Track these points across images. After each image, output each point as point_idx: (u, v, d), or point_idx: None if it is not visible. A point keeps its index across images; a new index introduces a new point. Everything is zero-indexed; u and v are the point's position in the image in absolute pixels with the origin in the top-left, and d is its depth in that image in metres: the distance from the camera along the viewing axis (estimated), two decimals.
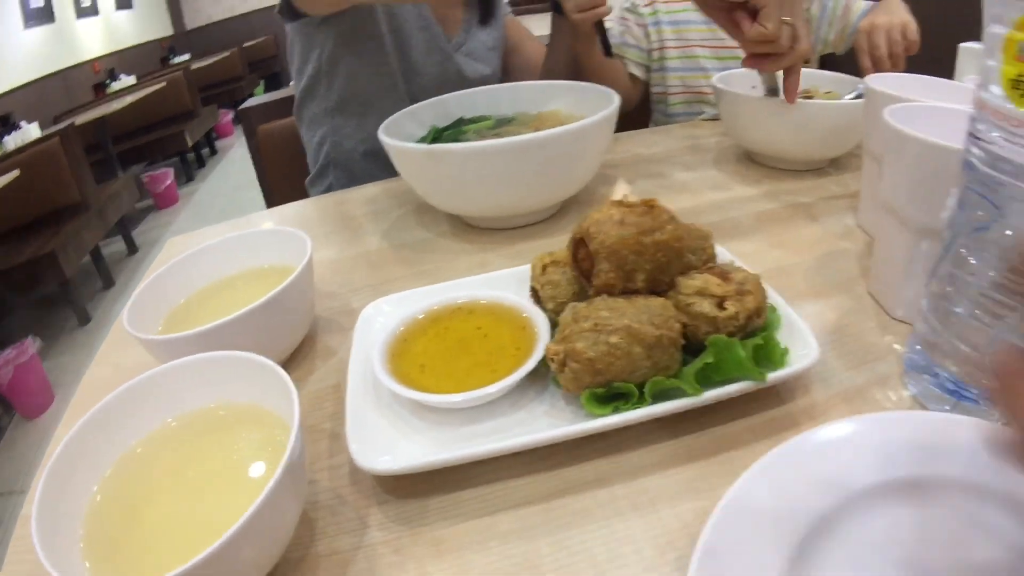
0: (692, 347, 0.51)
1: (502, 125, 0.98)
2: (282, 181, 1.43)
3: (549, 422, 0.50)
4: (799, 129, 0.90)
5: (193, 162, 5.53)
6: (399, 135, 0.88)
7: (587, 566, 0.42)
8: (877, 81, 0.73)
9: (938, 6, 1.33)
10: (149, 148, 4.96)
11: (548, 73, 1.29)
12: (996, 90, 0.39)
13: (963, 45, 1.26)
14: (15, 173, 2.98)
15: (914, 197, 0.56)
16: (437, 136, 0.95)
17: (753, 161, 1.01)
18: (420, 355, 0.54)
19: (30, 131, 3.98)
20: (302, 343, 0.66)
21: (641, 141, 1.16)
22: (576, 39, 1.18)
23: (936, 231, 0.54)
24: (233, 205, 4.65)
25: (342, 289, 0.77)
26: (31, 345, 2.63)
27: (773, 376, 0.48)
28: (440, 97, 1.00)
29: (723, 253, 0.62)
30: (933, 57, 1.27)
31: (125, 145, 4.75)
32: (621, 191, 0.95)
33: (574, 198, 0.90)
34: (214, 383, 0.49)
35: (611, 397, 0.48)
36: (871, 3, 1.33)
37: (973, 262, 0.45)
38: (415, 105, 0.96)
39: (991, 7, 0.39)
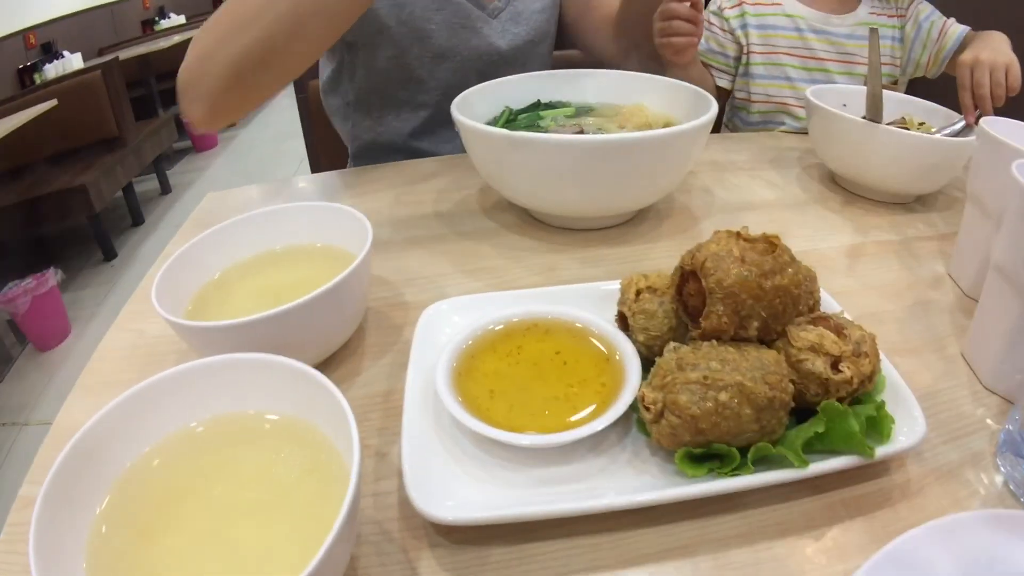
0: (795, 408, 0.45)
1: (583, 114, 0.91)
2: (329, 139, 1.37)
3: (634, 474, 0.44)
4: (893, 160, 0.83)
5: None
6: (470, 113, 0.81)
7: None
8: (993, 126, 0.66)
9: (1018, 45, 1.24)
10: None
11: (621, 52, 1.16)
12: None
13: None
14: (52, 103, 2.93)
15: None
16: (511, 118, 0.88)
17: (837, 184, 0.94)
18: (490, 377, 0.49)
19: (72, 61, 3.94)
20: (350, 338, 0.61)
21: (721, 147, 1.08)
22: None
23: None
24: (272, 155, 4.59)
25: (394, 277, 0.71)
26: (52, 276, 2.60)
27: (881, 451, 0.43)
28: (517, 76, 0.93)
29: (825, 297, 0.56)
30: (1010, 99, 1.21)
31: (168, 84, 4.64)
32: (701, 203, 0.88)
33: (652, 205, 0.83)
34: (253, 387, 0.44)
35: (707, 455, 0.42)
36: (966, 28, 1.25)
37: None
38: (489, 82, 0.89)
39: None
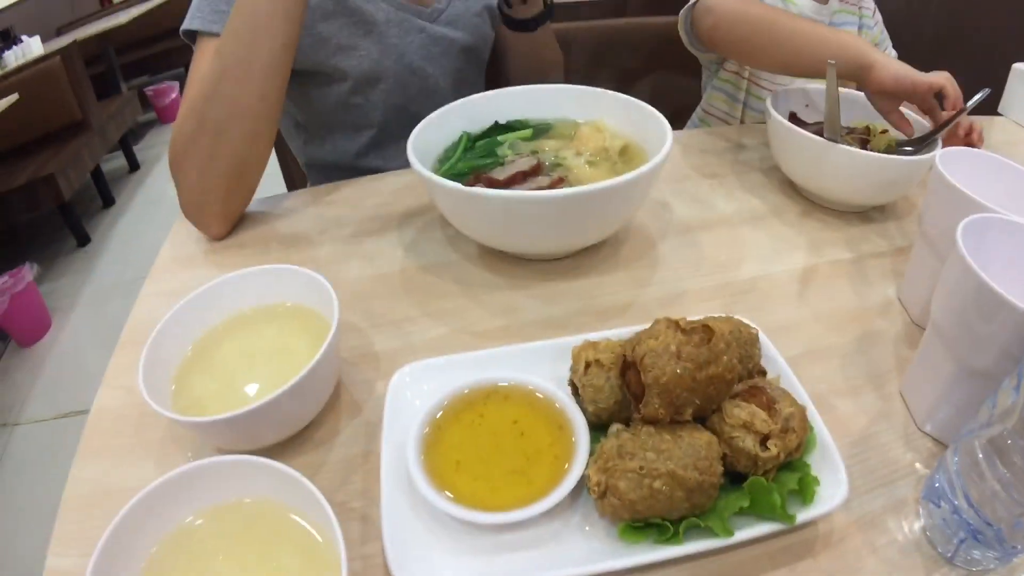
0: (727, 471, 0.50)
1: (540, 135, 0.93)
2: None
3: (583, 538, 0.50)
4: (850, 177, 0.86)
5: None
6: (426, 144, 0.83)
7: None
8: (947, 161, 0.68)
9: (991, 20, 1.26)
10: (154, 60, 4.78)
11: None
12: None
13: (1018, 66, 1.20)
14: (14, 97, 2.86)
15: (970, 338, 0.53)
16: (469, 146, 0.90)
17: (795, 191, 0.97)
18: (455, 449, 0.53)
19: (31, 45, 3.81)
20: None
21: (681, 151, 1.10)
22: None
23: (987, 373, 0.52)
24: None
25: (363, 323, 0.74)
26: (28, 272, 2.58)
27: (802, 516, 0.48)
28: (472, 97, 0.94)
29: (767, 345, 0.60)
30: (983, 74, 1.22)
31: (129, 57, 4.56)
32: (658, 223, 0.90)
33: None
34: (237, 481, 0.48)
35: (646, 525, 0.47)
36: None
37: None
38: (443, 108, 0.90)
39: None
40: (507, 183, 0.78)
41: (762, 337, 0.60)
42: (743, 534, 0.47)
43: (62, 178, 2.96)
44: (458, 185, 0.70)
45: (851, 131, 0.97)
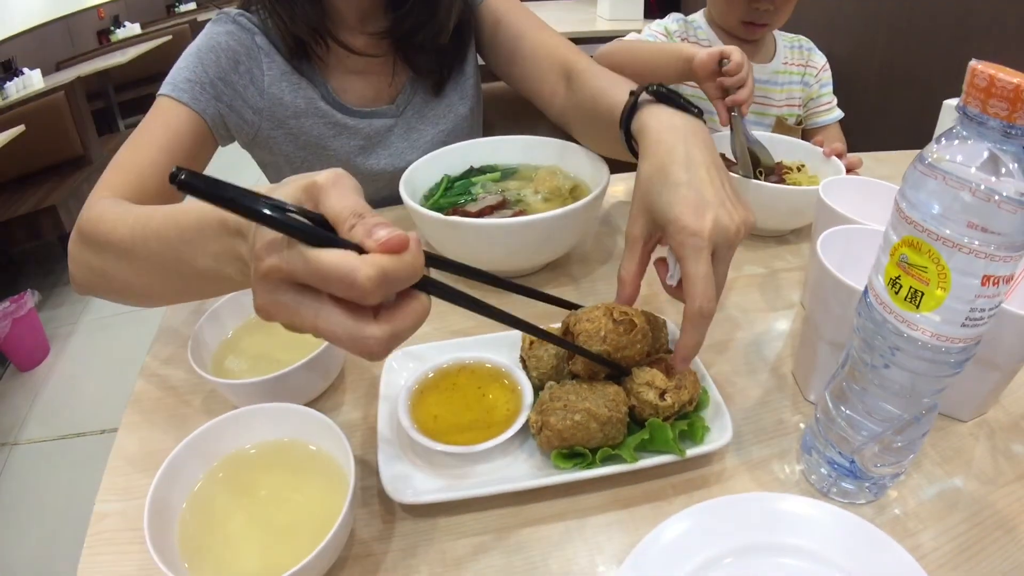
0: (637, 421, 0.68)
1: (507, 177, 1.12)
2: None
3: (528, 468, 0.68)
4: (762, 207, 0.99)
5: None
6: (413, 185, 1.03)
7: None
8: (830, 190, 0.87)
9: (925, 57, 1.43)
10: (151, 99, 4.93)
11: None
12: (880, 280, 0.53)
13: (948, 102, 1.31)
14: (20, 128, 3.03)
15: (825, 317, 0.71)
16: (449, 186, 1.10)
17: None
18: (433, 407, 0.71)
19: (32, 78, 4.00)
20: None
21: (627, 181, 1.30)
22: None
23: (841, 344, 0.67)
24: (234, 161, 4.69)
25: None
26: (29, 299, 2.70)
27: (691, 452, 0.66)
28: (452, 146, 1.13)
29: (673, 331, 0.79)
30: (917, 108, 1.34)
31: (127, 95, 4.77)
32: (602, 249, 1.10)
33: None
34: (288, 424, 0.66)
35: (572, 455, 0.66)
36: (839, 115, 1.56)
37: (858, 387, 0.59)
38: (429, 155, 1.10)
39: (891, 221, 0.51)
40: (478, 215, 0.98)
41: (670, 324, 0.79)
42: (645, 462, 0.65)
43: (63, 210, 3.12)
44: (439, 215, 0.90)
45: (788, 170, 1.15)
